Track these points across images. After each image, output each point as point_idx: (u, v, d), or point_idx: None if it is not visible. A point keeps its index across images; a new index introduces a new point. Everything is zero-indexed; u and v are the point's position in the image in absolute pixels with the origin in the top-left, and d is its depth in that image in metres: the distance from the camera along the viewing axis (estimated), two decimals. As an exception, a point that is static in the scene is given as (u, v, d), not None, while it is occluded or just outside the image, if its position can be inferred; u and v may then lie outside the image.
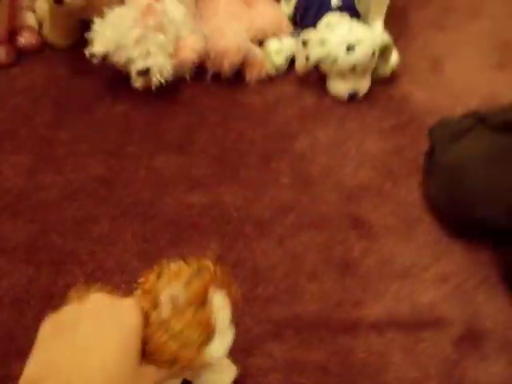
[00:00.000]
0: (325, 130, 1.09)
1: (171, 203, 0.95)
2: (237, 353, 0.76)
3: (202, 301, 0.56)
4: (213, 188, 0.97)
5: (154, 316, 0.54)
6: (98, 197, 0.95)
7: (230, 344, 0.59)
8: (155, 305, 0.54)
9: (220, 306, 0.58)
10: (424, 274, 0.89)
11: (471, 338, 0.82)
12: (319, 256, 0.90)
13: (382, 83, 1.18)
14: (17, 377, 0.74)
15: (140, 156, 1.02)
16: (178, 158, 1.02)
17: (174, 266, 0.58)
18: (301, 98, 1.16)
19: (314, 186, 0.99)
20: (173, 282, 0.55)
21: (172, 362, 0.53)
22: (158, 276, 0.57)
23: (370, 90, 1.16)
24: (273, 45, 1.18)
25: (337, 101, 1.15)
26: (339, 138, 1.08)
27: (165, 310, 0.54)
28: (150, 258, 0.87)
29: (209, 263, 0.60)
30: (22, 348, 0.76)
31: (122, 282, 0.84)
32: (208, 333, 0.55)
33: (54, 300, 0.82)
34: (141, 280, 0.58)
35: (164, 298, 0.55)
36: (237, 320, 0.78)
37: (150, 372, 0.53)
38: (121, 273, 0.85)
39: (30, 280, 0.85)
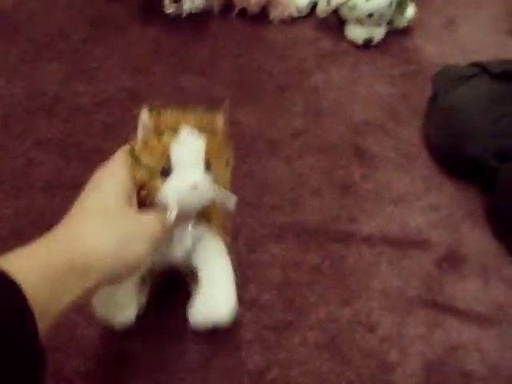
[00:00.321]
0: (339, 70, 1.17)
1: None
2: (242, 248, 0.86)
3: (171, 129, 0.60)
4: (231, 109, 1.03)
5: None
6: (126, 106, 1.03)
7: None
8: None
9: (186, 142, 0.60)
10: (416, 202, 0.96)
11: (452, 260, 0.89)
12: (322, 177, 0.97)
13: (397, 34, 1.26)
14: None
15: (166, 75, 1.10)
16: (201, 80, 1.10)
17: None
18: (319, 39, 1.23)
19: (324, 117, 1.07)
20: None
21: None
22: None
23: (385, 39, 1.24)
24: (297, -13, 1.25)
25: (352, 45, 1.22)
26: (351, 79, 1.15)
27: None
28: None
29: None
30: (51, 225, 0.86)
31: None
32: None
33: (79, 189, 0.90)
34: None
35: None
36: (243, 222, 0.89)
37: (147, 219, 0.58)
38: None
39: (60, 170, 0.93)
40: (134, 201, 0.59)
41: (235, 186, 0.88)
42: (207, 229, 0.70)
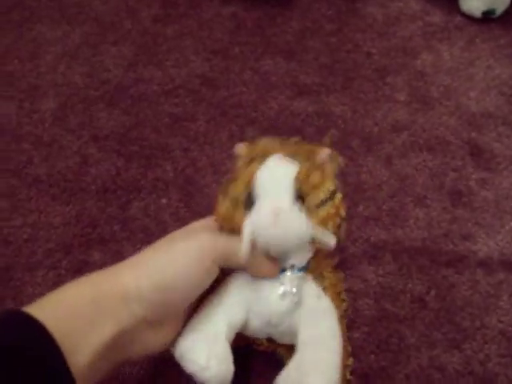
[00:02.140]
0: (451, 49, 0.99)
1: (275, 108, 0.88)
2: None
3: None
4: (321, 97, 0.90)
5: None
6: (198, 95, 0.90)
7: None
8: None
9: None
10: (549, 214, 0.78)
11: None
12: (430, 181, 0.81)
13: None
14: (95, 264, 0.73)
15: (246, 57, 0.96)
16: (286, 63, 0.95)
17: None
18: (427, 13, 1.05)
19: (433, 108, 0.90)
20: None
21: None
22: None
23: (508, 10, 1.04)
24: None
25: (468, 19, 1.04)
26: (466, 60, 0.97)
27: None
28: (246, 161, 0.81)
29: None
30: (103, 237, 0.75)
31: (214, 182, 0.79)
32: None
33: (141, 193, 0.79)
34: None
35: None
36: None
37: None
38: (213, 173, 0.80)
39: (118, 171, 0.82)
40: None
41: None
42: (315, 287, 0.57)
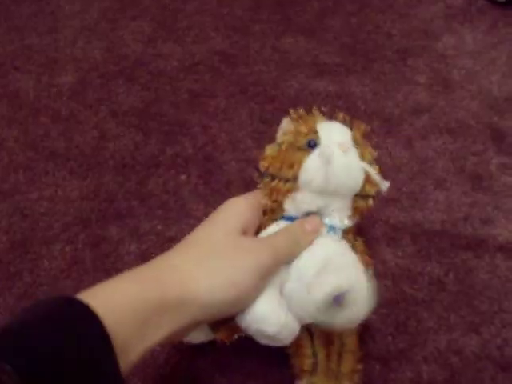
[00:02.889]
0: (473, 32, 0.97)
1: (295, 86, 0.87)
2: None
3: None
4: (341, 77, 0.88)
5: None
6: (218, 72, 0.89)
7: None
8: None
9: None
10: None
11: None
12: (450, 164, 0.80)
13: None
14: (112, 239, 0.73)
15: (267, 35, 0.94)
16: (307, 41, 0.94)
17: None
18: (450, -5, 1.03)
19: (454, 91, 0.88)
20: None
21: None
22: None
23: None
24: None
25: (491, 3, 1.01)
26: (489, 43, 0.95)
27: None
28: (265, 139, 0.80)
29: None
30: (120, 212, 0.74)
31: (233, 160, 0.78)
32: None
33: (159, 168, 0.78)
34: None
35: None
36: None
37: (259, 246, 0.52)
38: (232, 150, 0.79)
39: (137, 146, 0.81)
40: (253, 230, 0.54)
41: None
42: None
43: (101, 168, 0.79)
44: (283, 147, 0.52)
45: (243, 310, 0.50)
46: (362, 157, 0.54)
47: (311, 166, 0.51)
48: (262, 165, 0.53)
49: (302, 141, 0.52)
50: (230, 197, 0.75)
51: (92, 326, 0.39)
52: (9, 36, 0.97)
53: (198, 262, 0.48)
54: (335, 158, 0.50)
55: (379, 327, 0.66)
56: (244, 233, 0.52)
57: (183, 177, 0.77)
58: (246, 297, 0.49)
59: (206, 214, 0.73)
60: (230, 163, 0.78)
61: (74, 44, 0.94)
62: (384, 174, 0.77)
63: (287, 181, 0.52)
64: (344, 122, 0.56)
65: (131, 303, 0.43)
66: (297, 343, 0.56)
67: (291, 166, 0.51)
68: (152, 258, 0.69)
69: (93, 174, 0.78)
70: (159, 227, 0.73)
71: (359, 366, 0.60)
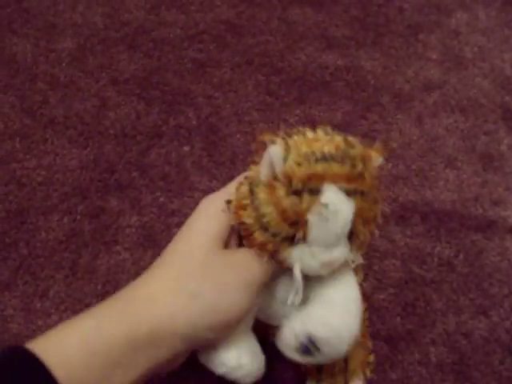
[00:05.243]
0: (486, 9, 0.94)
1: (303, 59, 0.84)
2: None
3: None
4: (351, 51, 0.85)
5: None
6: (223, 41, 0.86)
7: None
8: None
9: None
10: None
11: None
12: (461, 143, 0.78)
13: None
14: (112, 211, 0.70)
15: (274, 5, 0.91)
16: (315, 13, 0.91)
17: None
18: (463, -30, 1.00)
19: (466, 68, 0.86)
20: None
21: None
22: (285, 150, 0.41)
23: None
24: None
25: (506, -21, 0.98)
26: (502, 21, 0.93)
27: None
28: (271, 111, 0.78)
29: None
30: (120, 183, 0.72)
31: (238, 132, 0.76)
32: None
33: (162, 139, 0.75)
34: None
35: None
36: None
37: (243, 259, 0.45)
38: (238, 122, 0.77)
39: (138, 115, 0.78)
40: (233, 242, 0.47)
41: None
42: None
43: (101, 137, 0.76)
44: (269, 238, 0.42)
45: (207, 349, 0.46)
46: (356, 243, 0.45)
47: (289, 263, 0.44)
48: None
49: (284, 233, 0.42)
50: (235, 170, 0.73)
51: (41, 381, 0.35)
52: (6, -2, 0.93)
53: (174, 287, 0.42)
54: (313, 270, 0.44)
55: (387, 307, 0.65)
56: (226, 242, 0.46)
57: (186, 148, 0.75)
58: (237, 318, 0.43)
59: (210, 188, 0.72)
60: (235, 136, 0.76)
61: (74, 8, 0.90)
62: (394, 151, 0.75)
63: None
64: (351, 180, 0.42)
65: (90, 346, 0.38)
66: None
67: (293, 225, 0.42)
68: (153, 231, 0.68)
69: (93, 143, 0.75)
70: (161, 199, 0.71)
71: (371, 358, 0.58)
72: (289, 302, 0.45)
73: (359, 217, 0.42)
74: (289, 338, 0.46)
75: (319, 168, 0.40)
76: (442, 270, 0.68)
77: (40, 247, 0.67)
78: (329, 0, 0.93)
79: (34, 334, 0.61)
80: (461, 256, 0.68)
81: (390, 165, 0.75)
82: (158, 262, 0.44)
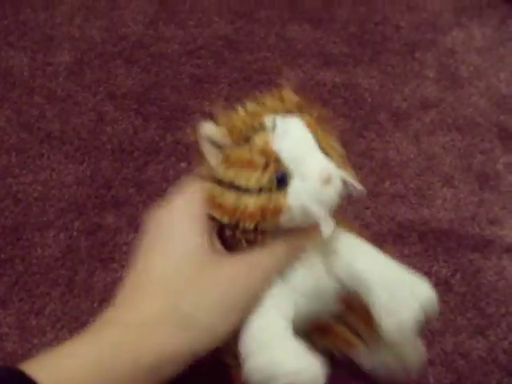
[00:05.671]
0: (482, 27, 0.95)
1: (300, 76, 0.85)
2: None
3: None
4: (348, 68, 0.86)
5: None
6: (221, 57, 0.86)
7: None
8: None
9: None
10: None
11: None
12: (458, 161, 0.78)
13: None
14: (109, 227, 0.70)
15: (271, 22, 0.92)
16: (313, 30, 0.91)
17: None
18: (458, -11, 1.01)
19: (462, 87, 0.87)
20: None
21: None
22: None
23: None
24: None
25: (500, -2, 1.00)
26: (498, 40, 0.94)
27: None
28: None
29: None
30: (117, 199, 0.72)
31: (236, 149, 0.76)
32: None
33: (159, 155, 0.75)
34: None
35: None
36: (357, 214, 0.71)
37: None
38: (235, 139, 0.77)
39: (136, 131, 0.78)
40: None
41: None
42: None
43: (98, 152, 0.75)
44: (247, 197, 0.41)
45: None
46: (332, 159, 0.43)
47: (298, 207, 0.41)
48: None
49: (269, 181, 0.41)
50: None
51: None
52: (2, 10, 0.93)
53: (168, 312, 0.40)
54: (321, 197, 0.41)
55: (385, 327, 0.64)
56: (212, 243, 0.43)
57: (183, 164, 0.75)
58: (238, 324, 0.42)
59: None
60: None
61: (71, 22, 0.90)
62: (391, 170, 0.75)
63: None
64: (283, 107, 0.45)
65: (89, 374, 0.37)
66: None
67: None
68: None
69: (89, 159, 0.75)
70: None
71: None
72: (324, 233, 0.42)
73: (314, 131, 0.43)
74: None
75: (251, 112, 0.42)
76: (439, 289, 0.66)
77: (36, 264, 0.67)
78: (327, 17, 0.93)
79: (29, 352, 0.60)
80: (458, 275, 0.68)
81: (388, 183, 0.75)
82: (145, 279, 0.42)
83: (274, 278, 0.43)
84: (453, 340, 0.64)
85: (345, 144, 0.75)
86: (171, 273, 0.41)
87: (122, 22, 0.90)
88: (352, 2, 0.96)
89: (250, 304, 0.42)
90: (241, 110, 0.44)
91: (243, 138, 0.41)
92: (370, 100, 0.83)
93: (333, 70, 0.86)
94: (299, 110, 0.45)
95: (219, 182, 0.42)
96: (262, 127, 0.41)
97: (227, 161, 0.42)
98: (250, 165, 0.40)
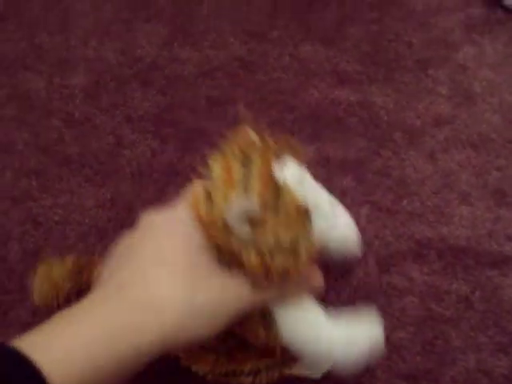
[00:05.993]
0: (493, 43, 0.95)
1: (316, 95, 0.85)
2: (372, 268, 0.69)
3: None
4: (363, 86, 0.86)
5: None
6: (237, 78, 0.87)
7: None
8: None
9: (296, 178, 0.45)
10: None
11: None
12: (474, 178, 0.78)
13: None
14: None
15: (285, 42, 0.92)
16: (326, 49, 0.91)
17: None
18: (468, 5, 1.01)
19: (475, 103, 0.87)
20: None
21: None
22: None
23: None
24: None
25: (510, 14, 1.00)
26: (509, 55, 0.94)
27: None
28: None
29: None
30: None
31: (254, 170, 0.76)
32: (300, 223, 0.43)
33: (178, 177, 0.76)
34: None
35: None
36: (376, 233, 0.72)
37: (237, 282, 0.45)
38: (253, 160, 0.77)
39: (154, 153, 0.79)
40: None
41: (365, 184, 0.74)
42: None
43: (117, 176, 0.76)
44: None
45: None
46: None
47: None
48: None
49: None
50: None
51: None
52: (19, 33, 0.93)
53: (180, 294, 0.42)
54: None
55: (407, 345, 0.65)
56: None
57: (203, 186, 0.75)
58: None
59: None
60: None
61: (87, 44, 0.91)
62: (408, 188, 0.76)
63: None
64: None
65: (95, 358, 0.37)
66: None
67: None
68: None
69: (109, 182, 0.75)
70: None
71: None
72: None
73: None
74: None
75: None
76: (459, 307, 0.68)
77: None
78: (339, 36, 0.94)
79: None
80: (477, 293, 0.69)
81: (406, 201, 0.75)
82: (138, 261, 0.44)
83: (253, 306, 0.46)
84: (475, 358, 0.64)
85: (361, 163, 0.76)
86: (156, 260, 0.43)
87: (136, 44, 0.90)
88: (364, 21, 0.97)
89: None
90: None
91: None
92: (385, 118, 0.83)
93: (347, 88, 0.86)
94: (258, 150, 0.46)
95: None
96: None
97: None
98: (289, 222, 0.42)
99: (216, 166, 0.44)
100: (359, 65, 0.89)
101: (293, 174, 0.45)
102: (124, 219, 0.72)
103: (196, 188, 0.45)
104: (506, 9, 1.00)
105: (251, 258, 0.42)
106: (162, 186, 0.75)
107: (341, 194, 0.73)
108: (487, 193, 0.77)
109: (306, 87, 0.86)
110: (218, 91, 0.85)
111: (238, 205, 0.41)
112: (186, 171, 0.76)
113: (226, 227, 0.42)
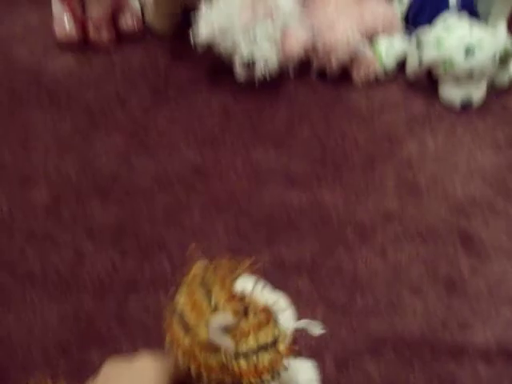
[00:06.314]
0: (434, 137, 1.01)
1: (268, 199, 0.89)
2: (330, 365, 0.70)
3: None
4: (313, 187, 0.91)
5: None
6: (191, 186, 0.91)
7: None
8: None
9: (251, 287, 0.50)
10: (540, 301, 0.79)
11: None
12: (424, 270, 0.82)
13: (497, 93, 1.09)
14: (94, 365, 0.70)
15: (237, 147, 0.97)
16: (276, 152, 0.96)
17: None
18: (409, 102, 1.08)
19: (421, 196, 0.91)
20: None
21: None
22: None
23: (484, 99, 1.07)
24: (383, 44, 1.10)
25: (447, 108, 1.06)
26: (449, 148, 1.00)
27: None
28: (242, 255, 0.81)
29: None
30: (101, 336, 0.73)
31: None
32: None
33: (138, 288, 0.78)
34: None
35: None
36: (331, 331, 0.74)
37: None
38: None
39: (114, 265, 0.81)
40: None
41: (320, 283, 0.76)
42: None
43: (79, 289, 0.78)
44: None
45: None
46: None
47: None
48: None
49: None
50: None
51: None
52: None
53: None
54: None
55: None
56: None
57: (163, 296, 0.77)
58: None
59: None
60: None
61: (47, 159, 0.94)
62: (361, 284, 0.79)
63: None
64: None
65: None
66: None
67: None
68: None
69: (71, 296, 0.77)
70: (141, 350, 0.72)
71: None
72: None
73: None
74: None
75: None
76: (418, 400, 0.70)
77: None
78: (289, 137, 0.99)
79: None
80: (434, 383, 0.71)
81: (359, 298, 0.78)
82: None
83: None
84: None
85: (315, 262, 0.79)
86: None
87: (95, 157, 0.94)
88: (312, 122, 1.02)
89: None
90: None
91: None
92: (336, 217, 0.87)
93: (297, 189, 0.90)
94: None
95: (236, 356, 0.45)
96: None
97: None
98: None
99: (182, 300, 0.47)
100: (308, 165, 0.94)
101: (248, 284, 0.48)
102: (87, 333, 0.73)
103: (169, 323, 0.47)
104: (443, 104, 1.06)
105: (242, 365, 0.44)
106: (123, 299, 0.77)
107: (296, 295, 0.75)
108: (438, 283, 0.81)
109: (259, 190, 0.90)
110: (174, 199, 0.88)
111: (215, 322, 0.44)
112: (146, 283, 0.78)
113: (210, 346, 0.44)
